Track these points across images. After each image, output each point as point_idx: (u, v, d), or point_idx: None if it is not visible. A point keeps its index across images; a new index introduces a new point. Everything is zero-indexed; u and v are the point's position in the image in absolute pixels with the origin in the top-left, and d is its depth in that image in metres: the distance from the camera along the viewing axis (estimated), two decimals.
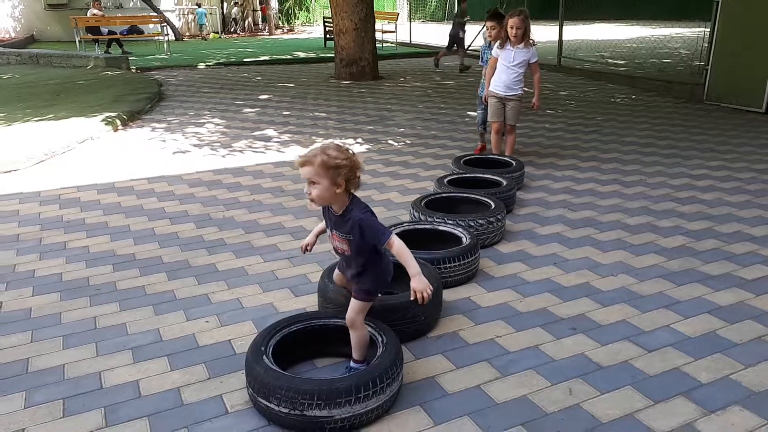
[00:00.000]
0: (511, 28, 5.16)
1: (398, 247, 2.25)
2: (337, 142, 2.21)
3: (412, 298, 2.24)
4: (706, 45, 9.00)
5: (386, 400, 2.26)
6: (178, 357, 2.69)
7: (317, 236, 2.59)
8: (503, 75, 5.37)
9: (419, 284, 2.21)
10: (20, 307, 3.16)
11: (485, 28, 5.93)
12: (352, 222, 2.26)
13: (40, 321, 3.02)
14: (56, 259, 3.76)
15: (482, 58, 6.04)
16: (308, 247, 2.58)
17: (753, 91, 8.02)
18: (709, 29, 8.82)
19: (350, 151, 2.24)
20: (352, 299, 2.42)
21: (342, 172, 2.18)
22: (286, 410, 2.15)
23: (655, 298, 3.22)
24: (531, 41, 5.26)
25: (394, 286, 3.05)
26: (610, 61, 12.98)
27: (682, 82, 9.53)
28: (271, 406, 2.18)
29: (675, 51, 14.65)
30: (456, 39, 12.51)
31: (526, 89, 5.51)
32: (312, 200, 2.24)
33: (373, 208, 2.37)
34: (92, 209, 4.64)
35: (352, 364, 2.47)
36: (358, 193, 2.37)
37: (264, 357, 2.30)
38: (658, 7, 24.87)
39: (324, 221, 2.45)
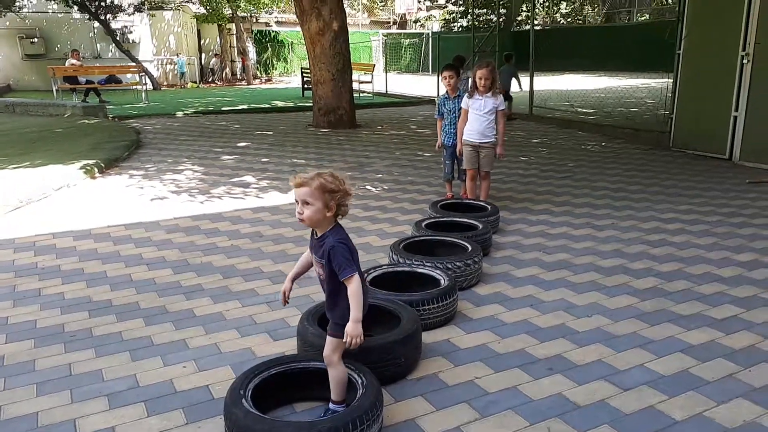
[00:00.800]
0: (480, 78, 5.33)
1: (354, 289, 2.30)
2: (333, 170, 2.40)
3: (343, 340, 2.32)
4: (670, 95, 9.39)
5: None
6: (155, 403, 2.66)
7: (293, 281, 2.62)
8: (476, 123, 5.50)
9: (353, 330, 2.29)
10: None
11: (442, 78, 6.02)
12: (325, 246, 2.34)
13: (13, 368, 2.97)
14: (30, 306, 3.70)
15: (438, 110, 6.10)
16: (286, 294, 2.60)
17: (716, 138, 8.34)
18: (672, 79, 9.22)
19: (345, 180, 2.35)
20: (327, 336, 2.45)
21: (336, 197, 2.30)
22: None
23: (629, 338, 3.28)
24: (498, 89, 5.47)
25: (372, 328, 3.10)
26: (579, 110, 13.43)
27: (649, 130, 9.88)
28: None
29: (641, 100, 15.22)
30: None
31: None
32: (302, 220, 2.33)
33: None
34: (68, 256, 4.60)
35: (330, 405, 2.47)
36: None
37: (243, 400, 2.29)
38: (624, 59, 25.95)
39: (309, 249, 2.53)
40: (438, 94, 16.31)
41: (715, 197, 6.33)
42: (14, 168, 7.50)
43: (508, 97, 12.74)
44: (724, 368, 2.94)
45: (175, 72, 24.07)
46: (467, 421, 2.52)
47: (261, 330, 3.37)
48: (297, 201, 2.32)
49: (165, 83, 24.03)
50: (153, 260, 4.51)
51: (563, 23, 36.47)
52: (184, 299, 3.79)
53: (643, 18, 32.45)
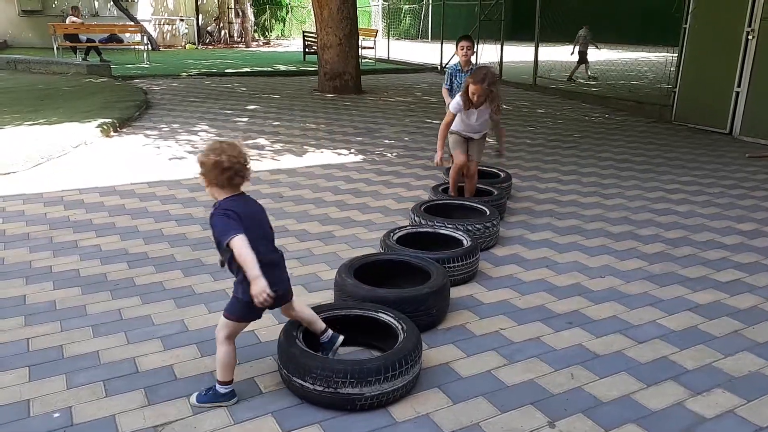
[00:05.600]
0: (473, 94, 4.40)
1: (238, 249, 2.19)
2: (235, 140, 2.40)
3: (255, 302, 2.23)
4: (672, 69, 9.53)
5: (409, 381, 2.47)
6: (206, 345, 2.86)
7: None
8: (466, 125, 4.73)
9: (256, 289, 2.19)
10: (44, 299, 3.28)
11: (459, 48, 5.80)
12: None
13: (66, 312, 3.15)
14: (70, 257, 3.87)
15: (448, 80, 5.91)
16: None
17: (718, 113, 8.52)
18: (675, 54, 9.36)
19: (220, 152, 2.25)
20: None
21: (203, 171, 2.29)
22: (320, 388, 2.35)
23: (640, 297, 3.51)
24: (497, 104, 4.56)
25: (401, 282, 3.31)
26: (582, 81, 13.53)
27: (652, 103, 10.04)
28: (306, 384, 2.37)
29: (642, 74, 15.32)
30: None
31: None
32: None
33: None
34: (97, 210, 4.75)
35: (217, 387, 2.41)
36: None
37: (297, 341, 2.50)
38: (622, 32, 25.95)
39: None
40: (441, 62, 16.31)
41: (716, 170, 6.53)
42: (31, 125, 7.57)
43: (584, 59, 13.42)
44: (730, 325, 3.18)
45: (177, 33, 23.89)
46: (496, 366, 2.75)
47: (296, 282, 3.50)
48: None
49: (163, 44, 23.76)
50: (181, 217, 4.67)
51: None
52: (217, 254, 3.96)
53: None
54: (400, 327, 2.67)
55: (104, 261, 3.81)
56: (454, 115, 4.61)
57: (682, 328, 3.14)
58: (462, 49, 5.81)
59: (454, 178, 4.78)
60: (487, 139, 5.07)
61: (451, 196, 4.75)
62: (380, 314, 2.76)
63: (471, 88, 4.39)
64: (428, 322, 3.03)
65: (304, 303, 2.65)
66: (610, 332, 3.09)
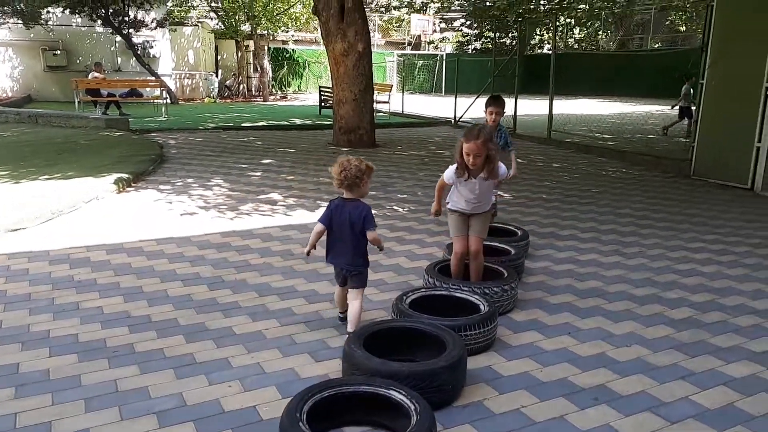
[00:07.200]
0: (467, 155, 3.80)
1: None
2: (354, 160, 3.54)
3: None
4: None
5: None
6: (205, 423, 2.67)
7: None
8: (464, 199, 4.04)
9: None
10: (38, 368, 3.12)
11: (488, 113, 5.44)
12: None
13: (60, 383, 2.99)
14: (70, 320, 3.73)
15: None
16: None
17: (739, 168, 8.35)
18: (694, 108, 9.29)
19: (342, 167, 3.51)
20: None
21: None
22: None
23: (670, 369, 3.27)
24: (495, 167, 3.89)
25: (415, 351, 3.12)
26: (597, 135, 13.48)
27: (670, 158, 9.90)
28: None
29: (657, 127, 15.24)
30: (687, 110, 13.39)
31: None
32: None
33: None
34: (103, 269, 4.64)
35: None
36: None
37: (300, 423, 2.31)
38: (634, 87, 26.35)
39: None
40: (455, 116, 16.41)
41: (740, 227, 6.31)
42: (45, 179, 7.58)
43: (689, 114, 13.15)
44: None
45: (210, 88, 24.62)
46: None
47: (302, 350, 3.38)
48: None
49: (182, 97, 24.28)
50: (187, 276, 4.54)
51: (578, 48, 36.68)
52: (223, 316, 3.82)
53: (657, 45, 32.62)
54: (412, 407, 2.47)
55: (105, 325, 3.66)
56: (445, 183, 4.05)
57: (718, 406, 2.90)
58: (491, 114, 5.40)
59: (456, 268, 4.13)
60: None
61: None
62: (392, 392, 2.57)
63: (464, 147, 3.79)
64: (443, 399, 2.83)
65: (356, 298, 3.47)
66: (640, 410, 2.85)
